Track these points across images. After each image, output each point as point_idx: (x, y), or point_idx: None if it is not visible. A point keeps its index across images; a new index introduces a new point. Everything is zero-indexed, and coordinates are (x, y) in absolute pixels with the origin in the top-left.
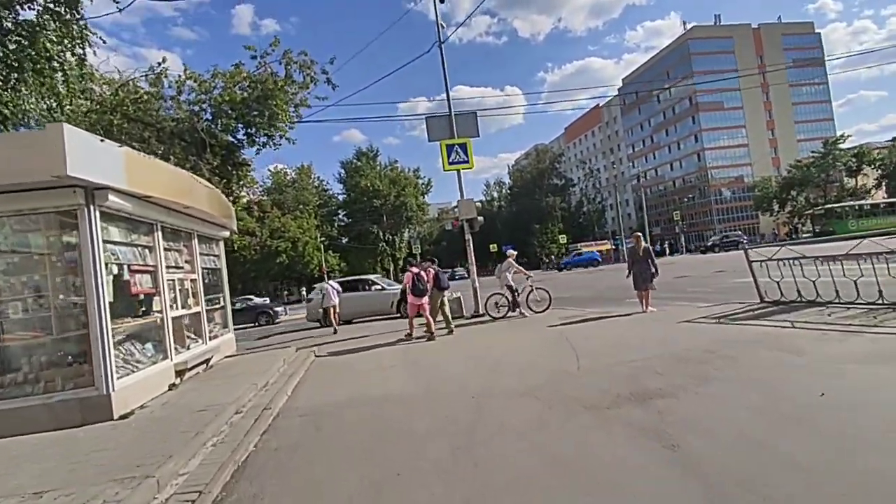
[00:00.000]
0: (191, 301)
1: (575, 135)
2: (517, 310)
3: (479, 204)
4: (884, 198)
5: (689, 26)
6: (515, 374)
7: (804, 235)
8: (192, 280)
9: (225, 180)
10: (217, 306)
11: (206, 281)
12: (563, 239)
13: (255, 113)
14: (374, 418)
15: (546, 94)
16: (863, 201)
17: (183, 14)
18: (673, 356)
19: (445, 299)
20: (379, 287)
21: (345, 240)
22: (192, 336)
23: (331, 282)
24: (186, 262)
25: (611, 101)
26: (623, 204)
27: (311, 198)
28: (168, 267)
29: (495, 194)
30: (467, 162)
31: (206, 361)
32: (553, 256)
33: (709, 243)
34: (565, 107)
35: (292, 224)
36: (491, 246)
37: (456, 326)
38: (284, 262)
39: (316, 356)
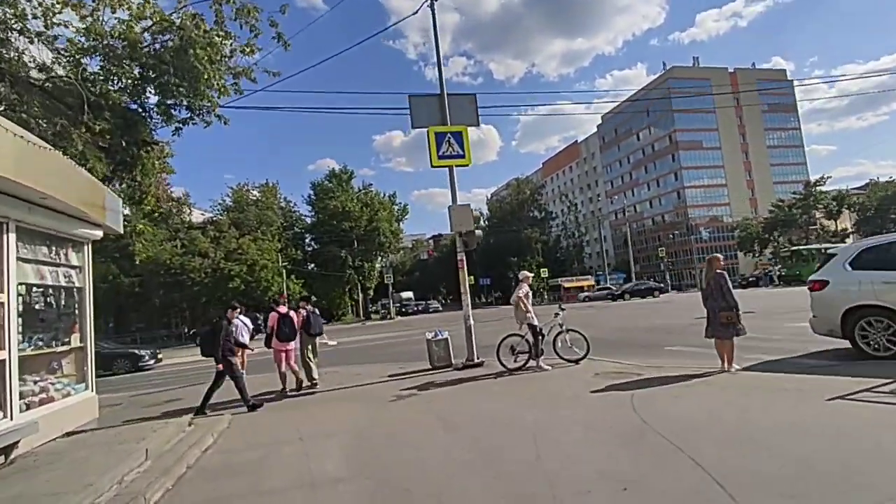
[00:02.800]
0: None
1: (552, 170)
2: (537, 361)
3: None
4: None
5: (668, 66)
6: None
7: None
8: None
9: (120, 164)
10: (63, 348)
11: (41, 305)
12: (543, 273)
13: (171, 72)
14: None
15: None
16: (829, 244)
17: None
18: None
19: (313, 346)
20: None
21: (311, 265)
22: None
23: (241, 316)
24: None
25: (589, 137)
26: (602, 240)
27: (274, 218)
28: None
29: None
30: (463, 156)
31: (6, 451)
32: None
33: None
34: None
35: (251, 245)
36: (468, 278)
37: (440, 382)
38: (239, 287)
39: (210, 445)
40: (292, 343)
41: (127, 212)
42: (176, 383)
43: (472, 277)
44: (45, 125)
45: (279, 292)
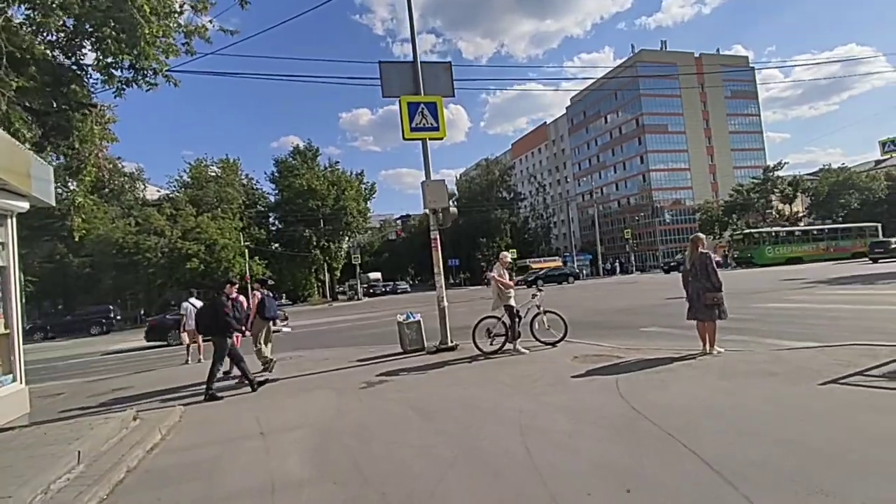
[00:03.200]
0: None
1: (521, 151)
2: (514, 344)
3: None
4: (810, 224)
5: (637, 49)
6: None
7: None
8: None
9: (53, 129)
10: None
11: None
12: (512, 254)
13: (110, 24)
14: None
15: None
16: (780, 228)
17: None
18: None
19: (268, 331)
20: None
21: (275, 246)
22: None
23: (192, 299)
24: None
25: (557, 119)
26: (570, 222)
27: (235, 195)
28: None
29: None
30: (437, 129)
31: None
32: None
33: (672, 262)
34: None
35: (210, 224)
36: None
37: (413, 368)
38: (197, 267)
39: (159, 441)
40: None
41: (73, 187)
42: (129, 369)
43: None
44: None
45: (240, 273)
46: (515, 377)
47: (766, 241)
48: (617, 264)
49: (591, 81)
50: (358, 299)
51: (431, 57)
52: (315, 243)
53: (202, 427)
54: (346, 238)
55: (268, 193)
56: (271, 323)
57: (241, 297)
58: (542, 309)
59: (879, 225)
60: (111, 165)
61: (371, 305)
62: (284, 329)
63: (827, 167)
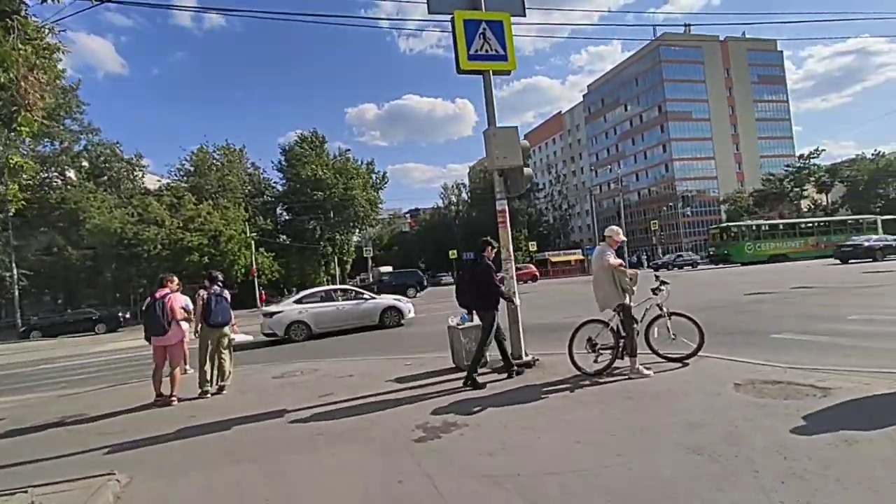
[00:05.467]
0: None
1: (536, 141)
2: (634, 361)
3: (438, 206)
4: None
5: (659, 32)
6: None
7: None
8: None
9: None
10: None
11: None
12: (532, 246)
13: None
14: None
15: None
16: (761, 221)
17: None
18: None
19: (225, 341)
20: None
21: (283, 237)
22: None
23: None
24: None
25: (573, 108)
26: (592, 213)
27: (237, 183)
28: None
29: (453, 198)
30: (504, 58)
31: None
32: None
33: (699, 258)
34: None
35: (214, 214)
36: (450, 253)
37: (486, 399)
38: (200, 260)
39: None
40: (169, 335)
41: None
42: (110, 378)
43: (454, 252)
44: None
45: (247, 266)
46: (680, 428)
47: (745, 236)
48: (644, 257)
49: (608, 68)
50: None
51: (437, 51)
52: (323, 235)
53: None
54: (356, 230)
55: (275, 182)
56: (225, 329)
57: (173, 298)
58: (665, 310)
59: (879, 218)
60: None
61: None
62: (238, 338)
63: (860, 156)
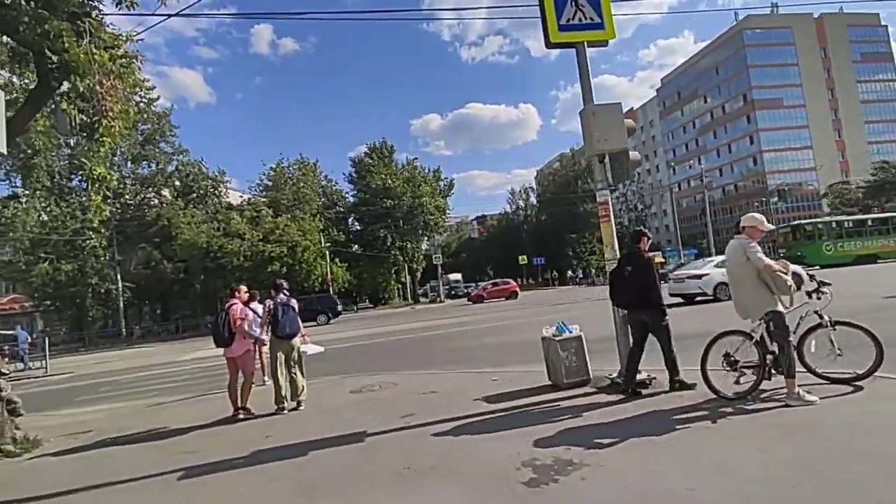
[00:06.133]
0: None
1: None
2: (792, 384)
3: (506, 211)
4: None
5: (741, 16)
6: None
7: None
8: None
9: (58, 67)
10: None
11: None
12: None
13: None
14: None
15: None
16: (843, 217)
17: (204, 34)
18: None
19: (295, 354)
20: None
21: (355, 247)
22: None
23: (254, 304)
24: None
25: (646, 103)
26: (661, 214)
27: (312, 196)
28: None
29: (521, 203)
30: (601, 26)
31: None
32: (592, 270)
33: None
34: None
35: (291, 226)
36: (520, 258)
37: (604, 427)
38: (279, 270)
39: None
40: (236, 345)
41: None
42: (195, 388)
43: (524, 257)
44: None
45: (323, 276)
46: (884, 481)
47: (822, 235)
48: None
49: (681, 61)
50: (440, 301)
51: (499, 58)
52: (394, 243)
53: None
54: (425, 238)
55: (347, 192)
56: (295, 340)
57: (238, 309)
58: (827, 319)
59: None
60: (145, 110)
61: (455, 308)
62: (310, 351)
63: None
